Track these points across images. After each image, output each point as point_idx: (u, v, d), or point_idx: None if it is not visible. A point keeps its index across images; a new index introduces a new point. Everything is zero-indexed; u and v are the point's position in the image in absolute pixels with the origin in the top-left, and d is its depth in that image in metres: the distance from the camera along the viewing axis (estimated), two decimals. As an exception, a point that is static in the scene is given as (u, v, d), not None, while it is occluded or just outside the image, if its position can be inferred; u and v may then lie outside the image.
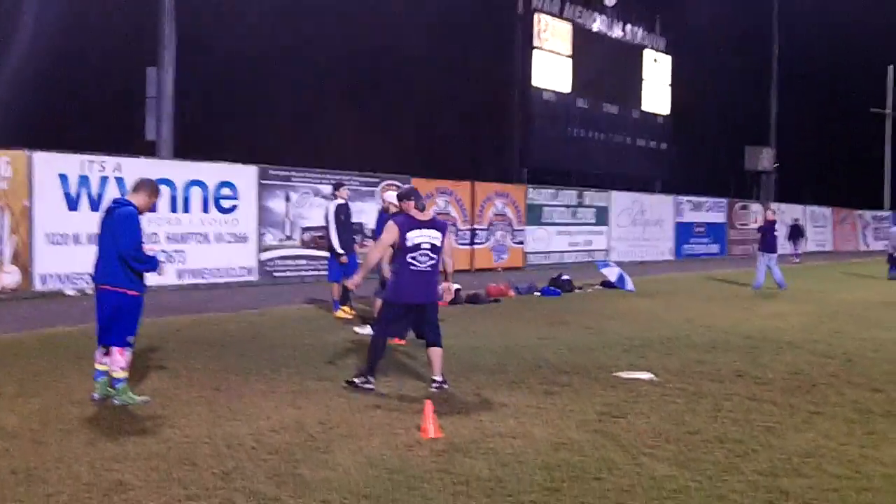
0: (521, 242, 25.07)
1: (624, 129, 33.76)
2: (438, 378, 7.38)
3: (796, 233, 33.05)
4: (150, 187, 7.16)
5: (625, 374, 8.08)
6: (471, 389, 7.40)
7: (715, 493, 4.81)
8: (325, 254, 13.52)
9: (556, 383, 7.69)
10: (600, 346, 9.98)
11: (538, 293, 16.48)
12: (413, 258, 7.33)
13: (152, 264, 6.90)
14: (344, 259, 12.48)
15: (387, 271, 8.61)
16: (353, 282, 8.03)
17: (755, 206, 34.52)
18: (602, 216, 28.12)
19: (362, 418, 6.35)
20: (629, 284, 17.49)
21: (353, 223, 20.04)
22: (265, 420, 6.27)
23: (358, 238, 20.78)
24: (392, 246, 7.64)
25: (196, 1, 22.20)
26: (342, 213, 12.68)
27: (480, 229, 23.79)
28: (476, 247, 23.63)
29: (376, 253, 7.84)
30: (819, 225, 39.52)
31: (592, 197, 27.91)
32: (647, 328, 11.66)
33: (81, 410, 6.55)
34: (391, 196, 11.97)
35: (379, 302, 8.74)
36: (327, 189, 16.02)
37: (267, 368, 8.31)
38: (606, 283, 17.88)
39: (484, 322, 12.26)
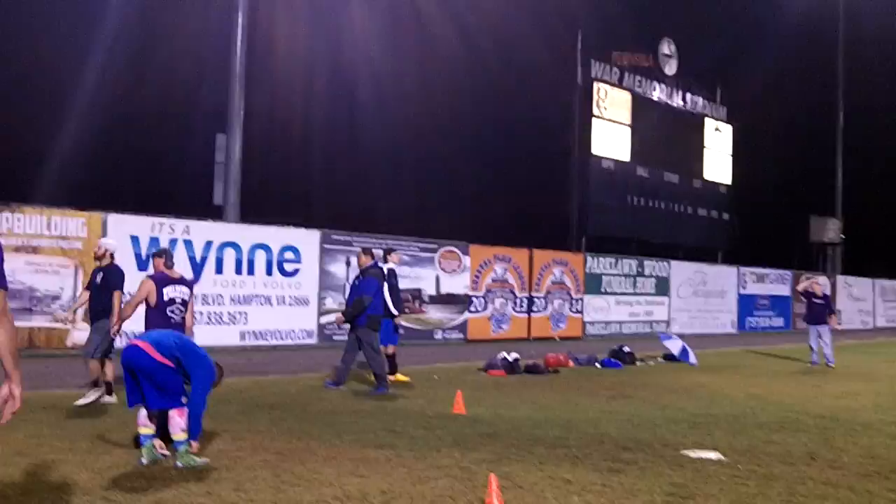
0: (580, 311, 24.89)
1: (685, 199, 33.63)
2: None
3: None
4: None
5: (692, 453, 7.88)
6: (533, 463, 7.29)
7: (792, 583, 4.63)
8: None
9: (620, 460, 7.52)
10: (665, 421, 9.77)
11: (598, 364, 16.29)
12: (171, 311, 8.42)
13: None
14: (400, 320, 12.90)
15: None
16: (112, 330, 9.34)
17: (822, 279, 33.83)
18: (663, 286, 27.85)
19: (424, 490, 6.28)
20: (692, 358, 17.20)
21: (411, 288, 20.36)
22: (328, 487, 6.24)
23: (417, 303, 21.04)
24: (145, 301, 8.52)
25: (264, 70, 22.86)
26: (392, 277, 12.88)
27: (538, 297, 23.69)
28: (534, 315, 23.53)
29: (131, 308, 8.74)
30: (890, 300, 38.62)
31: (653, 266, 27.70)
32: (713, 404, 11.40)
33: (149, 469, 6.61)
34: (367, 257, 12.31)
35: (94, 363, 9.65)
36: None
37: (328, 434, 8.30)
38: (668, 356, 17.64)
39: (543, 393, 12.12)
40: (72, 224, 14.94)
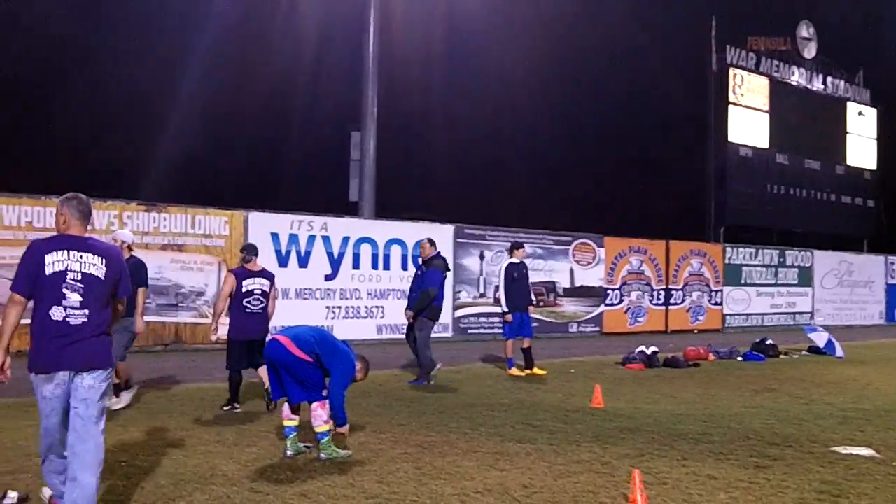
0: (719, 304, 24.24)
1: (827, 186, 32.26)
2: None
3: None
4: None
5: (842, 450, 7.56)
6: (676, 459, 7.16)
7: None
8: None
9: (767, 456, 7.30)
10: (812, 416, 9.42)
11: (740, 358, 15.83)
12: (248, 302, 9.07)
13: None
14: (508, 317, 12.73)
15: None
16: (213, 334, 9.57)
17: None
18: (806, 277, 26.81)
19: (566, 484, 6.25)
20: (839, 350, 16.50)
21: (545, 281, 20.27)
22: (469, 481, 6.29)
23: (551, 296, 20.95)
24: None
25: (395, 70, 23.22)
26: (514, 271, 12.84)
27: (675, 289, 23.20)
28: (671, 307, 23.06)
29: (221, 302, 9.20)
30: None
31: (795, 256, 26.70)
32: (862, 399, 10.91)
33: (293, 461, 6.83)
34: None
35: (122, 365, 9.03)
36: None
37: (467, 427, 8.38)
38: (813, 349, 17.00)
39: (684, 387, 11.87)
40: (214, 222, 15.57)
